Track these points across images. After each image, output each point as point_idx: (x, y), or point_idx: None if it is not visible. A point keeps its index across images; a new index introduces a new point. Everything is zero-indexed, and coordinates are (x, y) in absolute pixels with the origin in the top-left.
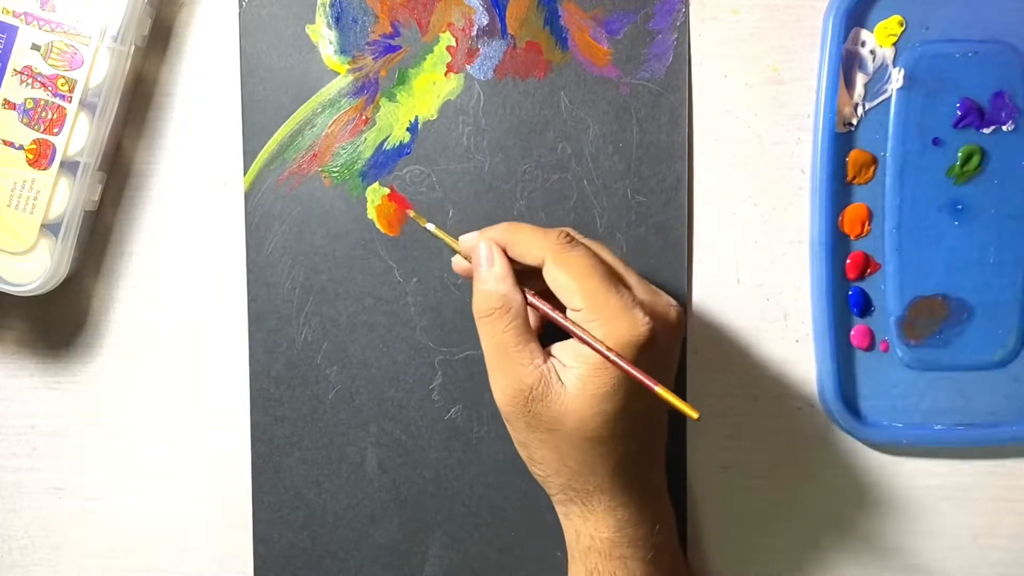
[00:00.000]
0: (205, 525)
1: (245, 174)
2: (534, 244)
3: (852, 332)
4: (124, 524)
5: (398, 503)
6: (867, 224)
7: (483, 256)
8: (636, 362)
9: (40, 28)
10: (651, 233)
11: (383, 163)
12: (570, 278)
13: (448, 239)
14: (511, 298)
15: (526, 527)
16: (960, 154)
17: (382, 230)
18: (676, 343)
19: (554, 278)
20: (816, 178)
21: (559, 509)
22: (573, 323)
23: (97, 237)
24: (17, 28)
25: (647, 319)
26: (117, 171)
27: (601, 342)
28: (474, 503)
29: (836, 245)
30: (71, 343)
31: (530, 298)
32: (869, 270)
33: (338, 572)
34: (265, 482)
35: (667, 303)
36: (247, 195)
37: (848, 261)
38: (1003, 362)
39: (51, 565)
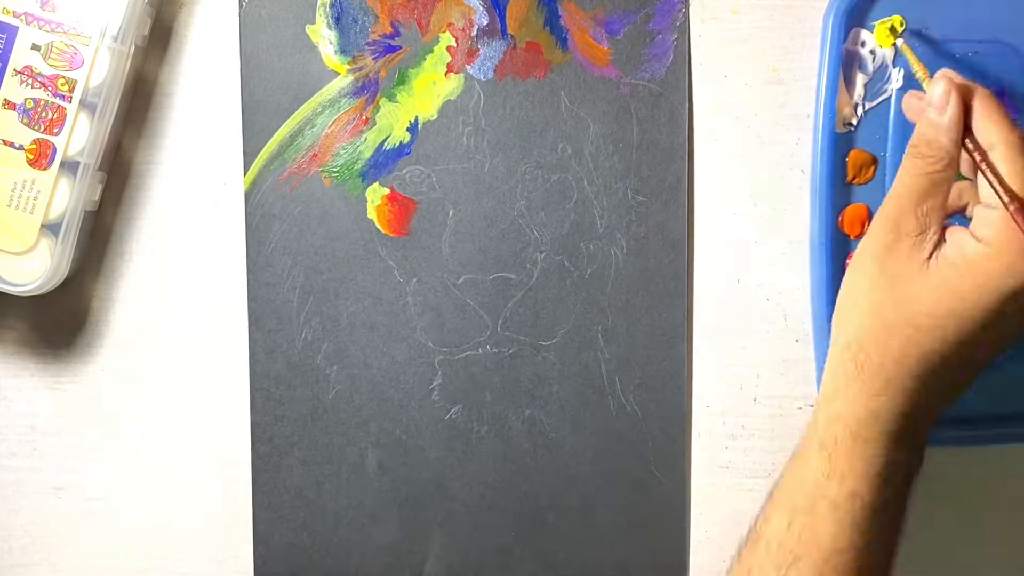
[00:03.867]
0: (205, 525)
1: (245, 174)
2: (993, 125)
3: None
4: (124, 524)
5: (398, 503)
6: (867, 224)
7: (938, 96)
8: None
9: (40, 28)
10: (651, 233)
11: (383, 163)
12: (1012, 175)
13: (918, 65)
14: (951, 151)
15: (526, 527)
16: None
17: (382, 230)
18: None
19: (1009, 167)
20: (816, 178)
21: (839, 357)
22: (1011, 206)
23: (97, 237)
24: (17, 28)
25: None
26: (117, 171)
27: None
28: (474, 503)
29: (836, 245)
30: (71, 343)
31: (978, 158)
32: None
33: (338, 572)
34: (265, 482)
35: None
36: (247, 195)
37: (848, 261)
38: (1002, 362)
39: (51, 565)
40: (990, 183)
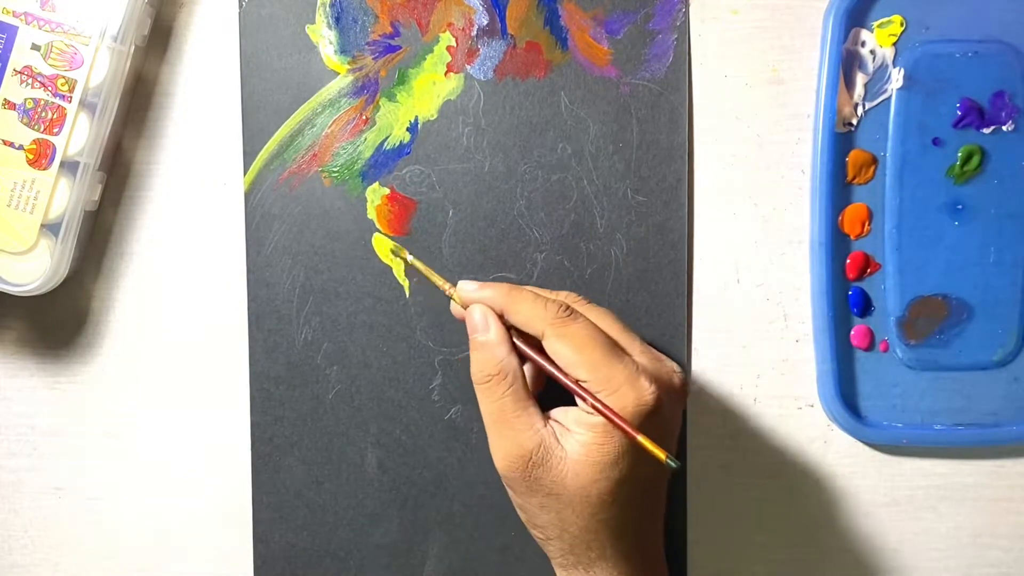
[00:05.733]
0: (205, 525)
1: (245, 174)
2: (534, 316)
3: (852, 332)
4: (124, 524)
5: (398, 503)
6: (867, 224)
7: (478, 322)
8: (641, 429)
9: (40, 28)
10: (651, 233)
11: (383, 163)
12: (572, 351)
13: (445, 285)
14: (507, 363)
15: (526, 527)
16: (960, 154)
17: (382, 230)
18: (679, 408)
19: (555, 350)
20: (816, 178)
21: (559, 573)
22: (582, 388)
23: (97, 237)
24: (17, 28)
25: (652, 387)
26: (117, 171)
27: (610, 408)
28: (474, 503)
29: (836, 245)
30: (71, 343)
31: (538, 359)
32: (869, 270)
33: (338, 572)
34: (265, 482)
35: (671, 369)
36: (247, 195)
37: (848, 261)
38: (1003, 362)
39: (51, 565)
40: (573, 391)
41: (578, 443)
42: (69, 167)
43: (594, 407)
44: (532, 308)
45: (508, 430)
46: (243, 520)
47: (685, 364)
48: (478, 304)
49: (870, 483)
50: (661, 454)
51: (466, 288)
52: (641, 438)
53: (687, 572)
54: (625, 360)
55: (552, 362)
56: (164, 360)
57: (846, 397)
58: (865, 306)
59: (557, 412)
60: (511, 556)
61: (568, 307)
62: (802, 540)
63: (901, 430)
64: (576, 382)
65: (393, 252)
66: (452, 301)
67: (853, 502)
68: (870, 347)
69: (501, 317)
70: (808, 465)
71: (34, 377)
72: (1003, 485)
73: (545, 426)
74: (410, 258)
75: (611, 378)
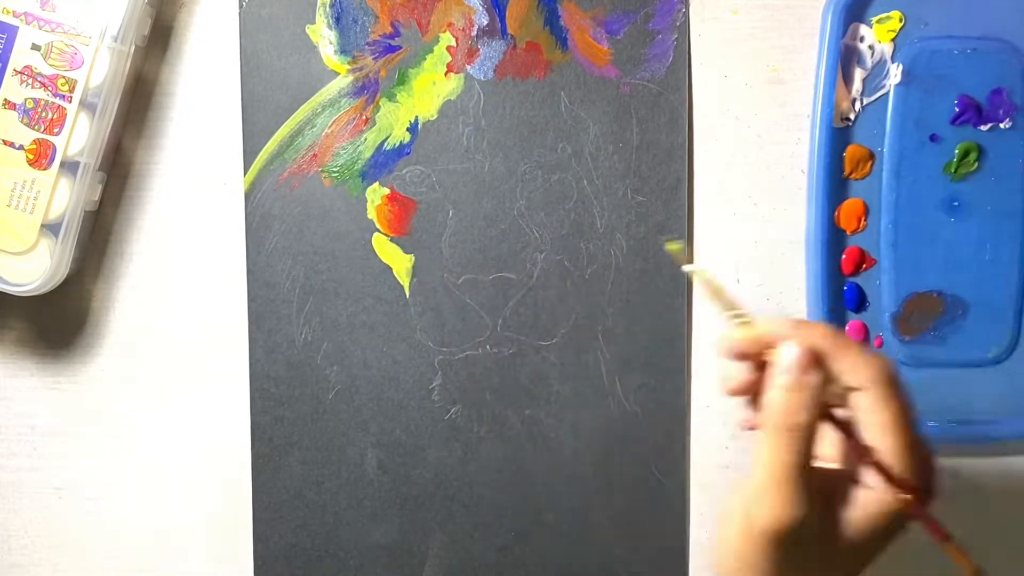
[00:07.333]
0: (205, 525)
1: (245, 174)
2: (860, 365)
3: (847, 327)
4: (124, 524)
5: (398, 503)
6: (863, 219)
7: (805, 361)
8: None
9: (40, 28)
10: (651, 233)
11: (383, 163)
12: (895, 418)
13: (739, 319)
14: (814, 418)
15: (526, 527)
16: (957, 151)
17: (382, 230)
18: None
19: (878, 411)
20: (813, 173)
21: None
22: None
23: (97, 237)
24: (17, 28)
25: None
26: (117, 171)
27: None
28: (474, 503)
29: (832, 240)
30: (71, 343)
31: (850, 426)
32: (865, 265)
33: (338, 572)
34: (265, 482)
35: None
36: (247, 195)
37: (844, 256)
38: (998, 359)
39: (51, 565)
40: (874, 468)
41: (862, 512)
42: (69, 167)
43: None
44: (861, 358)
45: (786, 494)
46: (243, 520)
47: (685, 365)
48: (800, 348)
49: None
50: (967, 563)
51: (780, 328)
52: (954, 548)
53: (687, 572)
54: (924, 439)
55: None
56: (164, 360)
57: None
58: (860, 302)
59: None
60: (511, 556)
61: (893, 366)
62: None
63: None
64: (874, 458)
65: (676, 253)
66: (736, 336)
67: None
68: (865, 343)
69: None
70: None
71: (34, 377)
72: (1001, 484)
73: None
74: (704, 276)
75: (914, 456)
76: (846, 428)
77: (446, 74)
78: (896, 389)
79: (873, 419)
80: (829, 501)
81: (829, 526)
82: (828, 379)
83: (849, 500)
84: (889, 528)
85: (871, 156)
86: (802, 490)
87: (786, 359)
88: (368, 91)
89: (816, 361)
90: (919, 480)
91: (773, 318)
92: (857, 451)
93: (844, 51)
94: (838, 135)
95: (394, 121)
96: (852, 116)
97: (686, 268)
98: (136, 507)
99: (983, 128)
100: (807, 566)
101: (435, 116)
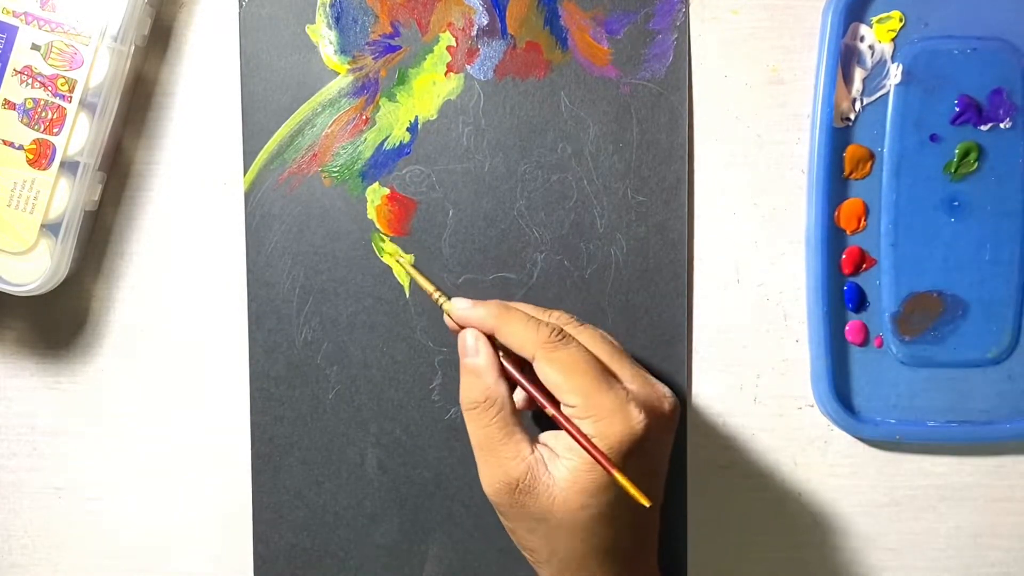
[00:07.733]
0: (205, 525)
1: (245, 174)
2: (525, 339)
3: (847, 327)
4: (124, 524)
5: (398, 503)
6: (863, 219)
7: (469, 346)
8: (628, 456)
9: (40, 28)
10: (651, 233)
11: (383, 163)
12: (562, 376)
13: (439, 299)
14: (495, 391)
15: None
16: (957, 151)
17: (382, 230)
18: (670, 436)
19: (545, 375)
20: (813, 173)
21: None
22: (566, 419)
23: (97, 237)
24: (17, 28)
25: (642, 416)
26: (117, 171)
27: (590, 441)
28: (474, 503)
29: (832, 240)
30: (71, 343)
31: (527, 386)
32: (865, 265)
33: (338, 572)
34: (265, 482)
35: (661, 395)
36: (247, 195)
37: (844, 256)
38: (997, 359)
39: (51, 565)
40: (557, 422)
41: (566, 469)
42: (69, 167)
43: (575, 439)
44: (524, 330)
45: (494, 457)
46: (243, 520)
47: (685, 365)
48: (470, 329)
49: (870, 483)
50: (638, 495)
51: (459, 307)
52: (617, 475)
53: (687, 572)
54: (615, 387)
55: (541, 387)
56: (164, 360)
57: (840, 392)
58: (860, 301)
59: (547, 436)
60: (511, 556)
61: (560, 330)
62: (802, 540)
63: (895, 426)
64: (559, 411)
65: (392, 254)
66: (446, 317)
67: (853, 502)
68: (864, 343)
69: (492, 337)
70: (808, 465)
71: (34, 377)
72: (1003, 485)
73: (532, 452)
74: (407, 265)
75: (600, 406)
76: (542, 395)
77: (446, 74)
78: (558, 352)
79: (551, 385)
80: (550, 461)
81: (545, 483)
82: (508, 353)
83: (560, 456)
84: (593, 475)
85: (871, 156)
86: (500, 456)
87: (460, 345)
88: (368, 91)
89: (486, 340)
90: (612, 427)
91: (466, 301)
92: (551, 413)
93: (844, 51)
94: (838, 135)
95: (394, 121)
96: (852, 116)
97: (406, 264)
98: (136, 507)
99: (983, 128)
100: (537, 518)
101: (435, 116)
